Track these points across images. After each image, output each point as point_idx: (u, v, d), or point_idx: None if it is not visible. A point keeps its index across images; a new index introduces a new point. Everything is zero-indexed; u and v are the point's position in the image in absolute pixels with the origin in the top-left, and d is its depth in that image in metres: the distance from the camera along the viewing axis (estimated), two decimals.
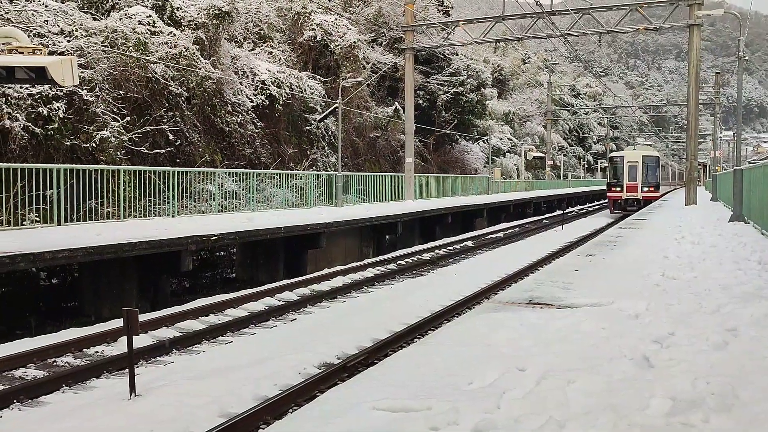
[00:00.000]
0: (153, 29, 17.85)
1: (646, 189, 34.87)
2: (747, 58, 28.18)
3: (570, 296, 6.89)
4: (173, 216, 15.41)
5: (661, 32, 27.43)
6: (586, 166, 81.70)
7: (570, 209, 45.12)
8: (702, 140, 79.70)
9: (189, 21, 20.00)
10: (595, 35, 27.98)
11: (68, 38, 15.86)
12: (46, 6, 15.99)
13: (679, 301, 6.44)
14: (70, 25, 16.16)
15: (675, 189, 57.21)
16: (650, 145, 50.58)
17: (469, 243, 23.63)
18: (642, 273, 8.42)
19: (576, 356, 4.47)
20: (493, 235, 26.92)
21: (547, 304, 6.49)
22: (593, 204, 57.49)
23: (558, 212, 40.04)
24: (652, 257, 10.07)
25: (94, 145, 15.28)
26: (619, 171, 35.72)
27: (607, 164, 39.17)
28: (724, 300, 6.42)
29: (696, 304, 6.28)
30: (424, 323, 10.44)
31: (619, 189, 35.53)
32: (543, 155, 57.44)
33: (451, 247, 22.09)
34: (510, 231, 29.16)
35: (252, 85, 21.86)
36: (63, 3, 17.00)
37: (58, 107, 14.59)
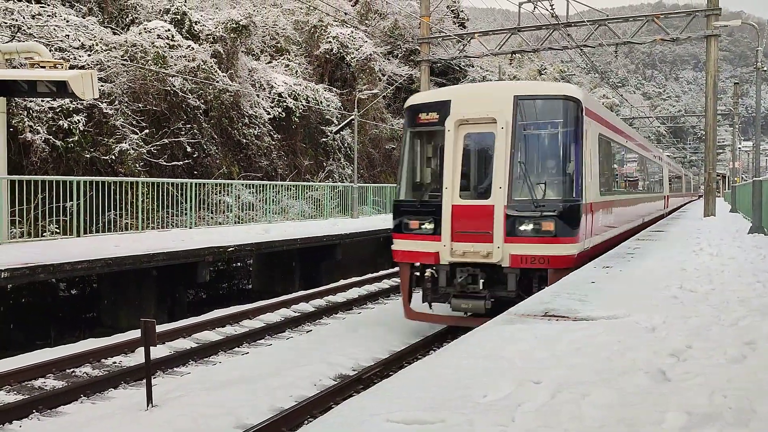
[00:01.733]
0: (171, 43, 18.09)
1: (525, 229, 9.70)
2: (765, 68, 27.93)
3: (586, 308, 6.85)
4: (191, 227, 15.54)
5: (678, 43, 27.29)
6: None
7: None
8: (721, 151, 79.05)
9: (207, 35, 20.25)
10: (612, 46, 27.88)
11: (89, 52, 16.11)
12: (68, 21, 16.26)
13: (696, 314, 6.38)
14: (91, 40, 16.43)
15: (685, 204, 44.21)
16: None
17: None
18: (659, 285, 8.35)
19: (591, 369, 4.44)
20: None
21: (563, 317, 6.46)
22: None
23: None
24: (669, 269, 9.97)
25: (113, 157, 15.48)
26: (433, 167, 11.05)
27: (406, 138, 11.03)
28: (743, 313, 6.35)
29: (714, 317, 6.21)
30: (439, 335, 10.41)
31: (429, 231, 10.11)
32: None
33: None
34: None
35: (269, 97, 22.04)
36: (84, 18, 17.29)
37: (78, 120, 14.81)
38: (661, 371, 4.38)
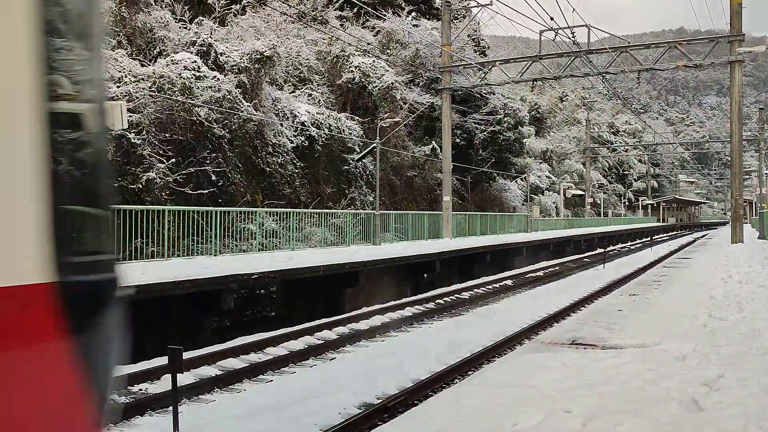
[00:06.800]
0: (198, 74, 18.44)
1: None
2: None
3: (614, 337, 6.78)
4: (216, 255, 15.67)
5: (701, 69, 27.23)
6: (626, 203, 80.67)
7: (611, 248, 44.43)
8: (747, 177, 78.20)
9: (232, 66, 20.61)
10: (634, 72, 27.89)
11: (118, 84, 16.48)
12: None
13: (727, 343, 6.28)
14: (120, 72, 16.82)
15: None
16: None
17: (509, 282, 23.39)
18: (688, 313, 8.25)
19: (622, 398, 4.39)
20: (533, 274, 26.61)
21: (591, 345, 6.40)
22: (635, 242, 56.52)
23: (599, 251, 39.44)
24: (698, 297, 9.85)
25: (140, 186, 15.72)
26: None
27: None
28: None
29: (746, 346, 6.12)
30: (465, 363, 10.33)
31: None
32: (582, 193, 56.95)
33: (490, 286, 21.90)
34: (550, 270, 28.79)
35: (292, 126, 22.30)
36: (113, 51, 17.72)
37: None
38: (694, 401, 4.31)
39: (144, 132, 16.50)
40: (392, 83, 28.04)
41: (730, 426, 3.80)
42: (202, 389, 9.07)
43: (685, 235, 73.89)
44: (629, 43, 27.40)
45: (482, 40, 40.43)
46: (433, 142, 32.14)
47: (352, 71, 27.61)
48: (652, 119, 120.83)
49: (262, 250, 17.68)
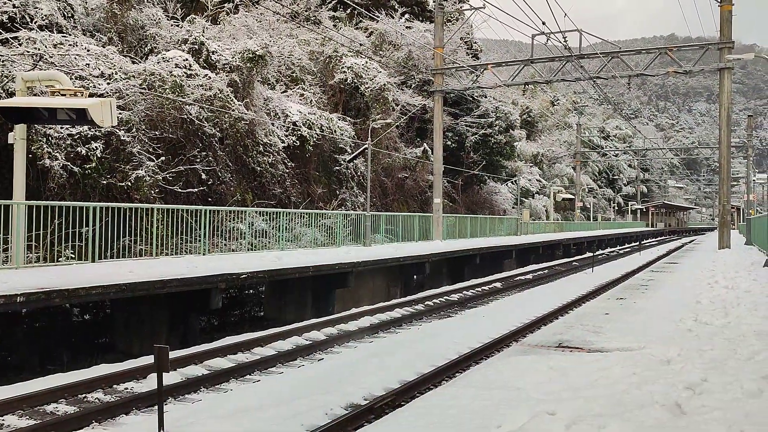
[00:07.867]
0: (189, 72, 18.37)
1: None
2: None
3: (600, 340, 6.81)
4: (204, 254, 15.61)
5: (691, 75, 27.37)
6: (616, 208, 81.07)
7: (600, 251, 44.62)
8: (735, 183, 78.68)
9: (224, 64, 20.56)
10: (625, 78, 28.03)
11: (108, 81, 16.40)
12: (88, 50, 16.59)
13: (712, 347, 6.32)
14: (110, 68, 16.73)
15: None
16: None
17: (498, 284, 23.45)
18: (674, 318, 8.30)
19: (606, 401, 4.41)
20: (522, 277, 26.69)
21: (577, 348, 6.43)
22: (624, 247, 56.79)
23: (588, 254, 39.60)
24: (684, 302, 9.91)
25: (129, 183, 15.64)
26: None
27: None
28: (760, 346, 6.29)
29: (730, 351, 6.16)
30: (452, 365, 10.35)
31: None
32: (572, 197, 57.19)
33: (479, 289, 21.94)
34: (539, 273, 28.87)
35: (283, 126, 22.26)
36: (104, 47, 17.63)
37: (96, 147, 15.02)
38: (677, 404, 4.34)
39: (134, 129, 16.42)
40: (384, 84, 28.05)
41: (713, 430, 3.83)
42: (188, 389, 9.03)
43: (674, 240, 74.35)
44: (620, 48, 27.54)
45: (475, 43, 40.53)
46: (425, 144, 32.18)
47: (344, 72, 27.61)
48: (642, 124, 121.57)
49: (252, 249, 17.63)
